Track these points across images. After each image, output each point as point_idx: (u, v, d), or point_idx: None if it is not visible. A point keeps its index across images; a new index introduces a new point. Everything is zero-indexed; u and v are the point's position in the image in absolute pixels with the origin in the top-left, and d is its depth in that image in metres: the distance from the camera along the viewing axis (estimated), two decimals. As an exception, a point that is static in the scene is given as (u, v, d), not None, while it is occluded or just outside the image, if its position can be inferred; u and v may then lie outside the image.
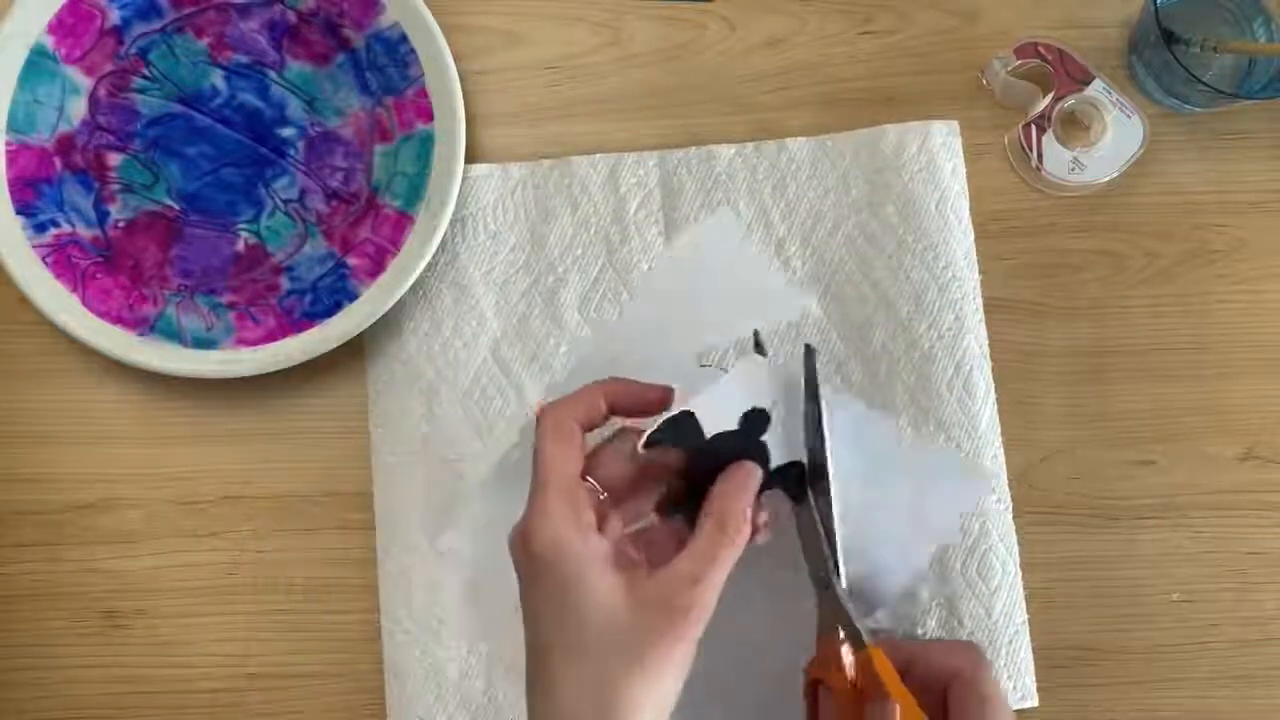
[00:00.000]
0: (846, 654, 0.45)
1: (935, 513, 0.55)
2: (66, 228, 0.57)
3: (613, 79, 0.60)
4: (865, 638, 0.45)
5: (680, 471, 0.46)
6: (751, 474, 0.45)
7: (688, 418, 0.45)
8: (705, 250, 0.57)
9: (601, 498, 0.44)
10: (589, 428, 0.45)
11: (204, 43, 0.59)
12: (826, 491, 0.47)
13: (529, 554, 0.42)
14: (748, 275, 0.57)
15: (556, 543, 0.41)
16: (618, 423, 0.47)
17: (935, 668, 0.46)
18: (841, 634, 0.45)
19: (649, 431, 0.45)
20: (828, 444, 0.47)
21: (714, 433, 0.46)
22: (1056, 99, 0.58)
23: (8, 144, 0.56)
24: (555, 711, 0.40)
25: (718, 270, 0.57)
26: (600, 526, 0.43)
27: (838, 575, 0.46)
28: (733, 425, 0.46)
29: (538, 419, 0.44)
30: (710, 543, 0.42)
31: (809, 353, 0.49)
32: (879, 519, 0.54)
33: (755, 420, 0.46)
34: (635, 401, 0.45)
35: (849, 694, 0.44)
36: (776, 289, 0.57)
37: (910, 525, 0.55)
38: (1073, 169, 0.58)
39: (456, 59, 0.57)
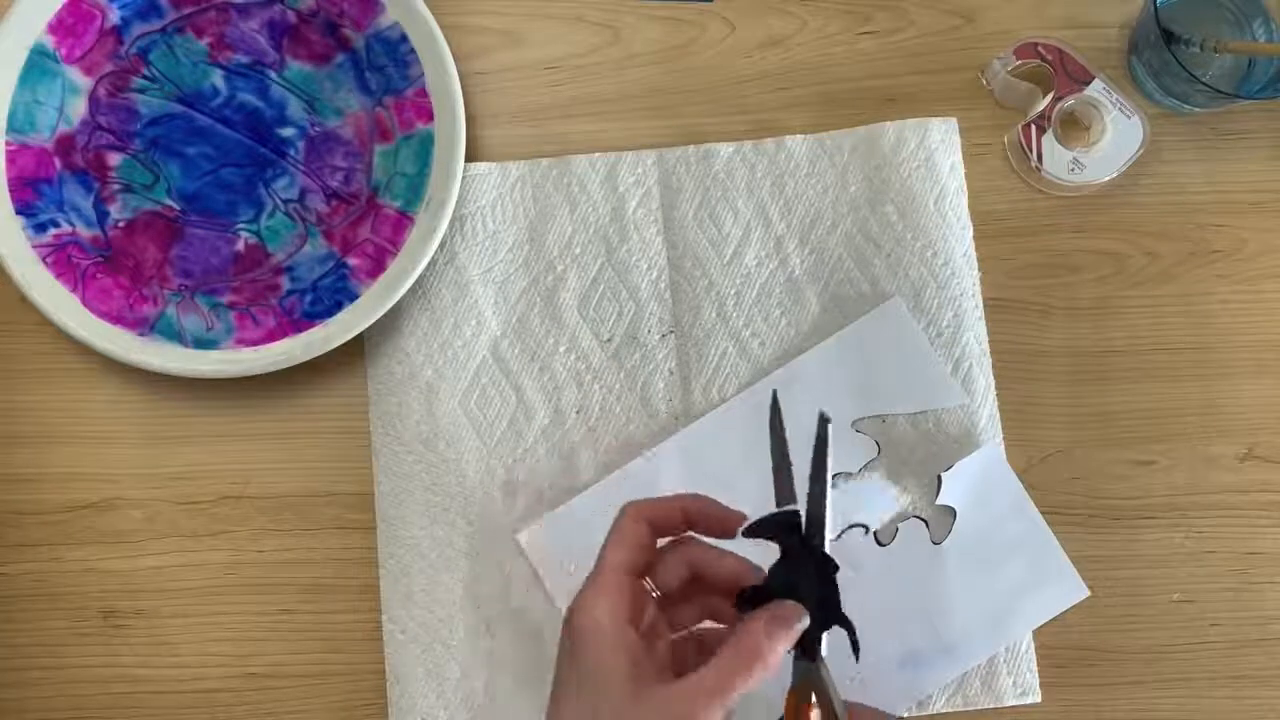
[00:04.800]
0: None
1: (1022, 612, 0.55)
2: (66, 228, 0.57)
3: (612, 79, 0.60)
4: (840, 715, 0.44)
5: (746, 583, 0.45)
6: (795, 614, 0.43)
7: (792, 516, 0.44)
8: (873, 337, 0.57)
9: (655, 596, 0.45)
10: (660, 533, 0.46)
11: (204, 43, 0.59)
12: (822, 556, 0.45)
13: (569, 627, 0.43)
14: (913, 363, 0.56)
15: (593, 626, 0.42)
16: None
17: None
18: (814, 699, 0.44)
19: (753, 520, 0.45)
20: (829, 515, 0.45)
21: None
22: (1056, 99, 0.58)
23: (8, 144, 0.56)
24: None
25: (884, 354, 0.56)
26: (640, 625, 0.44)
27: (819, 644, 0.44)
28: (832, 536, 0.45)
29: (621, 510, 0.45)
30: (725, 667, 0.41)
31: (822, 421, 0.46)
32: (970, 598, 0.55)
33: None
34: (712, 522, 0.46)
35: None
36: (938, 379, 0.56)
37: (996, 616, 0.55)
38: (1072, 169, 0.58)
39: (456, 59, 0.57)
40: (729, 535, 0.45)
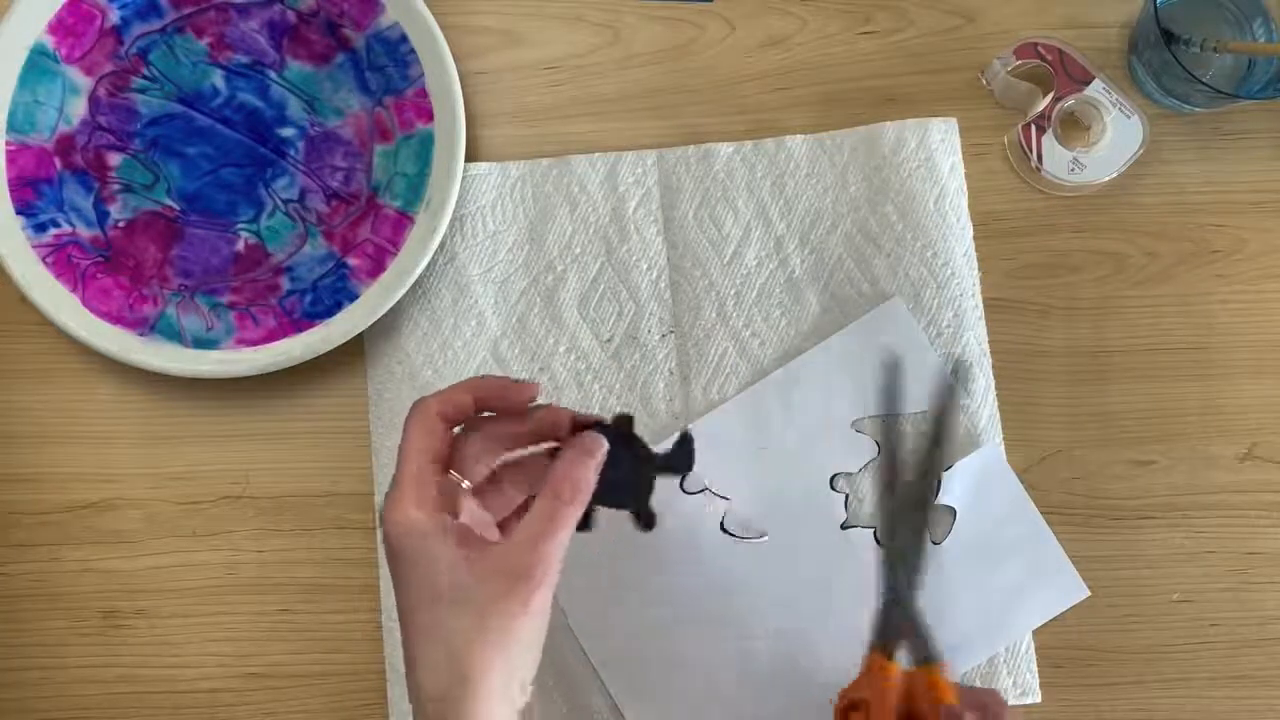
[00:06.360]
0: (898, 672, 0.44)
1: (1022, 612, 0.55)
2: (66, 228, 0.57)
3: (612, 79, 0.60)
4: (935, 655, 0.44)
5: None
6: (595, 443, 0.44)
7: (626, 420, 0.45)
8: (873, 337, 0.57)
9: (464, 487, 0.45)
10: (454, 422, 0.45)
11: (204, 43, 0.59)
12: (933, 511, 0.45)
13: (386, 541, 0.43)
14: (913, 363, 0.56)
15: (407, 525, 0.42)
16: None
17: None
18: (902, 648, 0.44)
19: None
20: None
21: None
22: (1056, 99, 0.58)
23: (8, 144, 0.56)
24: (418, 690, 0.41)
25: (884, 354, 0.57)
26: (457, 513, 0.43)
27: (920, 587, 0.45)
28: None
29: (409, 410, 0.44)
30: (547, 507, 0.42)
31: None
32: (969, 598, 0.55)
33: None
34: (502, 398, 0.45)
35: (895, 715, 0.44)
36: (933, 367, 0.56)
37: (995, 616, 0.55)
38: (1072, 169, 0.58)
39: (456, 59, 0.57)
40: (522, 406, 0.45)
